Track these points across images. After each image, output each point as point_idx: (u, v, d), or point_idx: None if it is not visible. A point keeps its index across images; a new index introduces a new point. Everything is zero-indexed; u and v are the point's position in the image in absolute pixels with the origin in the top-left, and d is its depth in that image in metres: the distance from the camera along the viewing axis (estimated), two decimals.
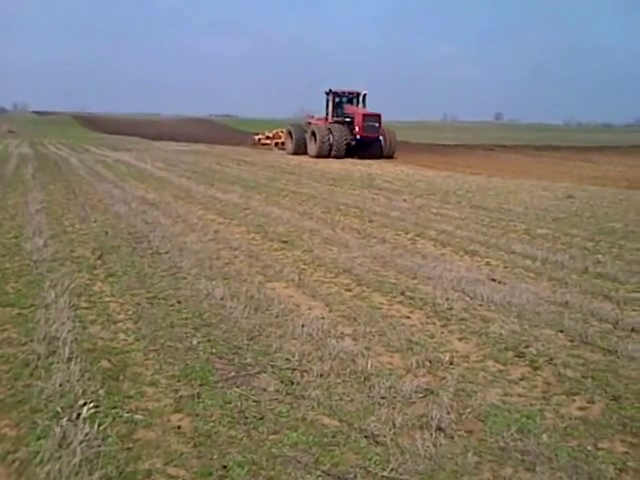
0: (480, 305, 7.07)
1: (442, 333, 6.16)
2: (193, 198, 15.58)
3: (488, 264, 9.30)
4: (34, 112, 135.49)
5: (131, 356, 5.37)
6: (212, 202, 14.90)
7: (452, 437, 4.12)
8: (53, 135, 56.73)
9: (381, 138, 34.53)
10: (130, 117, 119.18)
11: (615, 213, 15.31)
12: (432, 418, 4.28)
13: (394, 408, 4.48)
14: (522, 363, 5.47)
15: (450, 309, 6.88)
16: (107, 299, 6.97)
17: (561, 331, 6.26)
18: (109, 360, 5.24)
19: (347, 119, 34.86)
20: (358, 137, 33.84)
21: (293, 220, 12.44)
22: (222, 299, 6.89)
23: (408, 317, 6.62)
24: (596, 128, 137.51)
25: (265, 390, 4.73)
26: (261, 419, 4.29)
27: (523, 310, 6.85)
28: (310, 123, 36.58)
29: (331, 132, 34.03)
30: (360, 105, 35.75)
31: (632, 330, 6.35)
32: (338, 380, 4.93)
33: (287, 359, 5.32)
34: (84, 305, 6.70)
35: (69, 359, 5.06)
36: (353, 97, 36.31)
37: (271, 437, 4.07)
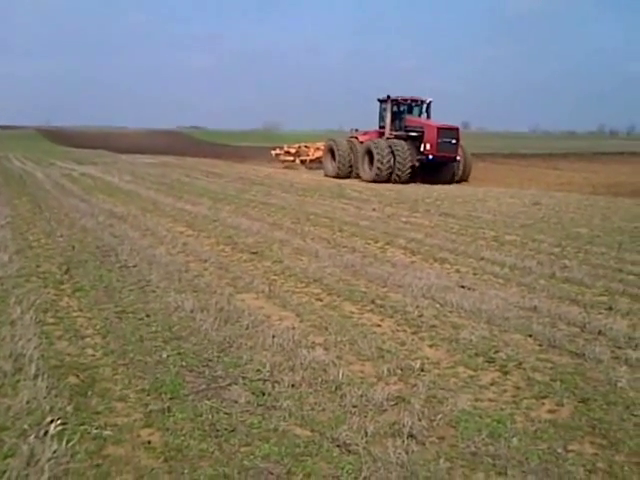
0: (450, 312, 7.11)
1: (413, 340, 6.18)
2: (161, 210, 15.46)
3: (458, 271, 9.37)
4: None
5: (99, 371, 5.29)
6: (181, 214, 14.81)
7: (424, 444, 4.13)
8: (18, 149, 55.82)
9: (459, 158, 27.04)
10: (96, 130, 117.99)
11: (581, 218, 15.56)
12: (404, 425, 4.30)
13: (366, 416, 4.48)
14: (492, 368, 5.51)
15: (420, 316, 6.91)
16: (74, 314, 6.86)
17: (530, 336, 6.33)
18: (77, 376, 5.15)
19: (412, 133, 27.17)
20: (430, 157, 26.20)
21: (263, 231, 12.40)
22: (192, 311, 6.83)
23: (379, 325, 6.63)
24: (560, 136, 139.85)
25: (236, 402, 4.69)
26: (232, 431, 4.26)
27: (492, 316, 6.91)
28: (356, 138, 29.16)
29: (392, 151, 26.23)
30: (423, 116, 28.66)
31: (599, 333, 6.45)
32: (310, 390, 4.92)
33: (258, 370, 5.29)
34: (51, 321, 6.59)
35: (36, 376, 4.96)
36: (416, 105, 28.96)
37: (243, 449, 4.04)
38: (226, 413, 4.52)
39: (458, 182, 27.35)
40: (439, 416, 4.49)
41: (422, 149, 26.35)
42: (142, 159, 43.07)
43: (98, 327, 6.42)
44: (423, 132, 26.68)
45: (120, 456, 3.96)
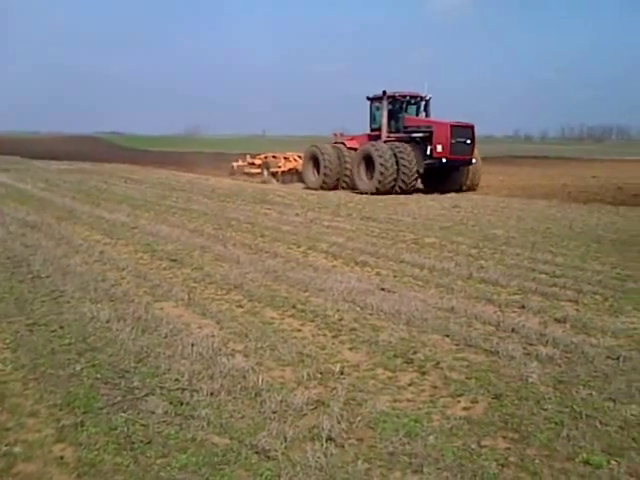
0: (370, 314, 7.19)
1: (333, 344, 6.21)
2: (78, 219, 14.98)
3: (378, 274, 9.48)
4: None
5: (9, 387, 5.08)
6: (98, 222, 14.40)
7: (343, 446, 4.15)
8: None
9: (474, 161, 23.93)
10: (7, 136, 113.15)
11: (497, 220, 16.07)
12: (323, 429, 4.30)
13: (285, 422, 4.47)
14: (410, 369, 5.60)
15: (341, 320, 6.96)
16: None
17: (447, 335, 6.47)
18: None
19: (415, 134, 23.97)
20: (444, 160, 22.97)
21: (183, 238, 12.21)
22: (108, 322, 6.65)
23: (299, 330, 6.64)
24: (478, 139, 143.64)
25: (153, 413, 4.59)
26: (148, 443, 4.16)
27: (411, 317, 7.02)
28: (343, 144, 25.52)
29: (396, 155, 22.92)
30: (422, 115, 25.45)
31: (512, 331, 6.65)
32: (229, 397, 4.86)
33: (176, 379, 5.19)
34: None
35: None
36: (413, 103, 25.44)
37: (159, 461, 3.96)
38: (142, 425, 4.41)
39: (466, 191, 24.25)
40: (358, 418, 4.53)
41: (429, 152, 23.12)
42: (57, 165, 41.51)
43: (8, 341, 6.16)
44: (431, 132, 23.42)
45: (31, 473, 3.83)
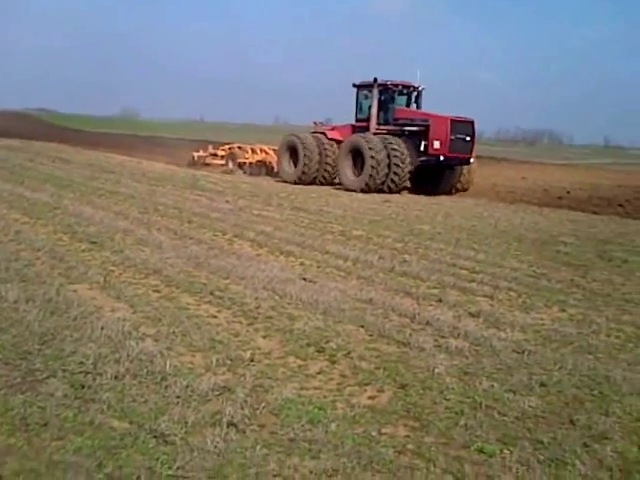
0: (288, 303, 7.19)
1: (247, 331, 6.19)
2: None
3: (302, 264, 9.50)
4: None
5: None
6: (19, 201, 13.86)
7: (244, 432, 4.14)
8: None
9: (472, 160, 22.05)
10: None
11: (425, 216, 16.34)
12: (225, 414, 4.29)
13: (188, 407, 4.42)
14: (321, 358, 5.63)
15: (258, 308, 6.94)
16: None
17: (362, 326, 6.54)
18: None
19: (408, 128, 21.84)
20: (442, 158, 21.14)
21: (106, 220, 11.91)
22: (15, 302, 6.42)
23: (215, 317, 6.58)
24: None
25: (52, 395, 4.47)
26: (44, 425, 4.05)
27: (329, 307, 7.06)
28: (324, 134, 23.47)
29: (387, 150, 20.92)
30: (413, 106, 23.37)
31: (426, 323, 6.78)
32: (133, 382, 4.78)
33: (81, 362, 5.06)
34: None
35: None
36: (405, 93, 23.37)
37: (54, 443, 3.86)
38: (40, 407, 4.29)
39: (457, 191, 22.62)
40: (262, 404, 4.53)
41: (422, 148, 21.21)
42: None
43: None
44: (427, 126, 21.37)
45: None
